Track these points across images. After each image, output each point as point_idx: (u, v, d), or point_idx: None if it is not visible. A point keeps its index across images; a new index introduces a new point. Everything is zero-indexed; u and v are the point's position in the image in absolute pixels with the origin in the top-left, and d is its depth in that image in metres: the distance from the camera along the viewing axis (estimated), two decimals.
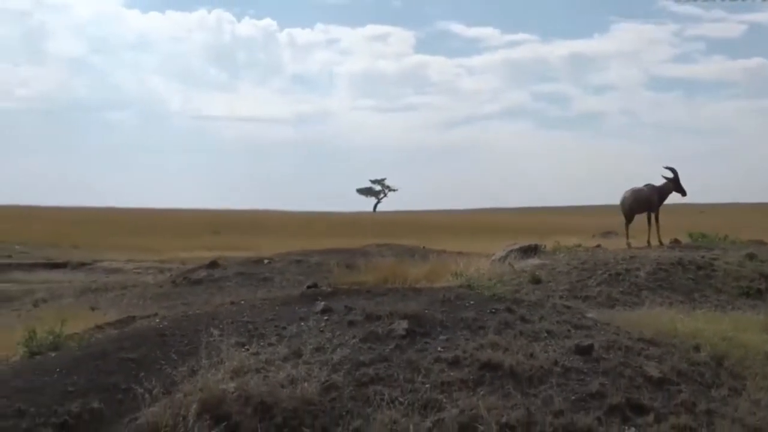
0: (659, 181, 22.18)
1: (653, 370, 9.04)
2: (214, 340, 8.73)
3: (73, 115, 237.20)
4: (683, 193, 22.30)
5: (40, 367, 8.57)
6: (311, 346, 8.82)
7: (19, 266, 34.73)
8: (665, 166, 22.37)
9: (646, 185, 22.24)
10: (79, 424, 7.33)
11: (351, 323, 9.58)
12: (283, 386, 7.80)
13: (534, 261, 18.69)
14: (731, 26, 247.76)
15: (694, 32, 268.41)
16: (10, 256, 38.56)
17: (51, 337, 9.81)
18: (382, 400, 7.91)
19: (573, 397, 8.25)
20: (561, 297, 14.67)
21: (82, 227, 61.96)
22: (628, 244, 21.55)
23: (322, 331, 9.36)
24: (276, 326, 9.58)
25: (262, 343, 8.95)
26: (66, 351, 9.32)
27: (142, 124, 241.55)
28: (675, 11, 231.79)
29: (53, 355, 9.26)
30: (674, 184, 22.14)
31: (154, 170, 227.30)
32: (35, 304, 22.60)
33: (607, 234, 35.59)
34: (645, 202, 22.02)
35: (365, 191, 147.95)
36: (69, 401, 7.60)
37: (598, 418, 7.94)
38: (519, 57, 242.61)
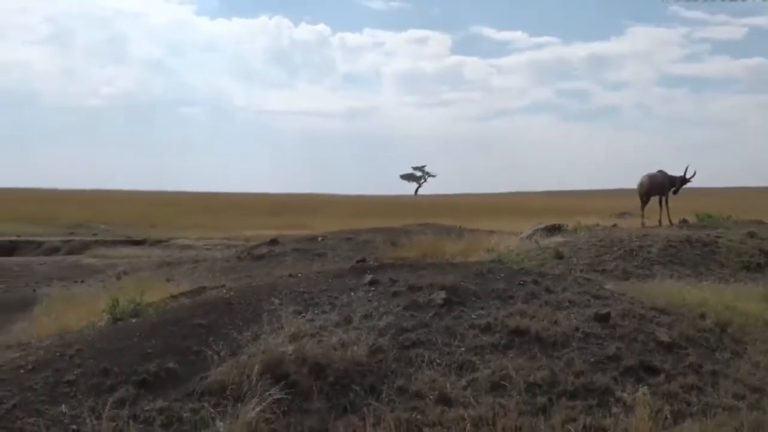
0: (670, 171, 22.03)
1: (664, 335, 9.00)
2: (274, 309, 8.77)
3: (151, 110, 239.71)
4: (676, 191, 22.14)
5: (122, 332, 8.66)
6: (360, 314, 8.86)
7: (104, 243, 35.09)
8: (692, 170, 22.00)
9: (660, 171, 22.06)
10: (156, 381, 7.41)
11: (395, 293, 9.60)
12: (335, 349, 7.84)
13: (557, 239, 18.62)
14: (734, 29, 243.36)
15: (701, 35, 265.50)
16: (95, 235, 39.00)
17: (132, 306, 9.94)
18: (423, 361, 7.94)
19: (592, 360, 8.24)
20: (581, 270, 14.62)
21: (158, 209, 62.40)
22: (643, 224, 21.38)
23: (369, 301, 9.39)
24: (329, 296, 9.61)
25: (316, 311, 8.99)
26: (145, 317, 9.42)
27: (211, 118, 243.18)
28: (684, 16, 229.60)
29: (134, 321, 9.36)
30: (681, 183, 22.01)
31: (222, 158, 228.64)
32: (118, 277, 22.74)
33: (622, 215, 35.07)
34: (659, 186, 21.86)
35: (408, 177, 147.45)
36: (147, 362, 7.67)
37: (615, 378, 7.94)
38: (544, 57, 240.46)
